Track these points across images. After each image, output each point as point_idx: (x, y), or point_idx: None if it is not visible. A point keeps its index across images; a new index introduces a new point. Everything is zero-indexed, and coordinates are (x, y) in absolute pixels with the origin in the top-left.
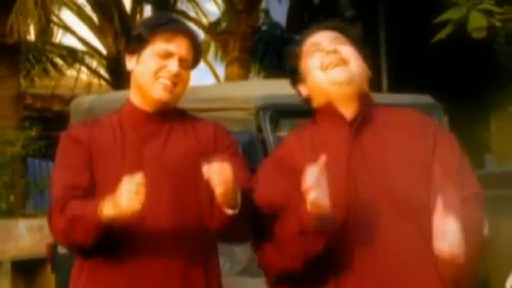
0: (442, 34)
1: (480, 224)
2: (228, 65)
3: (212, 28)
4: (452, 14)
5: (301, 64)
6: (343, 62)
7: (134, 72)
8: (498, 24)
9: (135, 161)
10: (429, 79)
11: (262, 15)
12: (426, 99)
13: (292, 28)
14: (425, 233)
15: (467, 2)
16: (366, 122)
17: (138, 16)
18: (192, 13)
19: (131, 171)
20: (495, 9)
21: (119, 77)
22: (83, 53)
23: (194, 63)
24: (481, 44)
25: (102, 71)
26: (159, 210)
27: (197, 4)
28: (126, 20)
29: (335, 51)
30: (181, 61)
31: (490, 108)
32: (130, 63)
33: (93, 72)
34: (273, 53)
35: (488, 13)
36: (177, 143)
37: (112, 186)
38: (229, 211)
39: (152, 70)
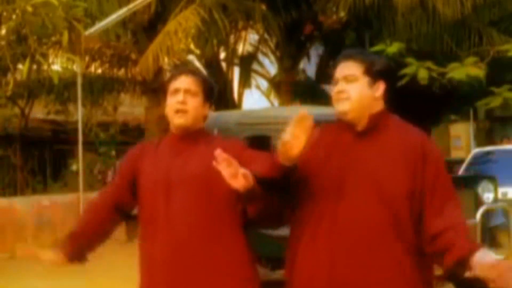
0: (403, 81)
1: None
2: (280, 103)
3: (272, 80)
4: (407, 70)
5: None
6: (347, 98)
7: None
8: (435, 75)
9: (165, 170)
10: (395, 108)
11: (300, 71)
12: None
13: (319, 79)
14: (399, 218)
15: (417, 62)
16: (372, 133)
17: (229, 73)
18: (260, 70)
19: (162, 180)
20: (433, 67)
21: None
22: None
23: (206, 92)
24: (425, 87)
25: None
26: (184, 213)
27: (262, 65)
28: (221, 75)
29: (342, 91)
30: (186, 92)
31: (430, 125)
32: (166, 111)
33: None
34: (307, 95)
35: (429, 69)
36: (197, 159)
37: (147, 195)
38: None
39: (170, 106)
